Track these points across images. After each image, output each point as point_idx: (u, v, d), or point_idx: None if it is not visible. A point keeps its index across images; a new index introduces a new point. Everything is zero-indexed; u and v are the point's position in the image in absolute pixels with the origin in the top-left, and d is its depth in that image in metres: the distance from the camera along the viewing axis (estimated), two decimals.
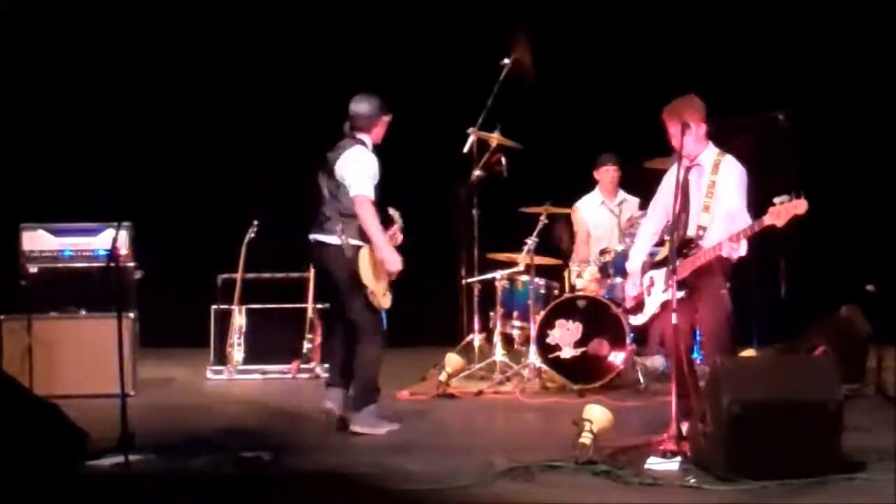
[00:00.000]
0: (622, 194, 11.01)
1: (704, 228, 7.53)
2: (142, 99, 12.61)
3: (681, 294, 7.37)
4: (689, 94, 7.69)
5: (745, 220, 7.32)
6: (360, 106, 8.47)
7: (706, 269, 7.46)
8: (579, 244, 11.07)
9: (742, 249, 7.38)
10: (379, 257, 8.26)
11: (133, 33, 12.60)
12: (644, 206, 9.81)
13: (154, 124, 12.55)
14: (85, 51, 12.56)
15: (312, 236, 8.43)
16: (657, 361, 10.18)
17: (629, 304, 8.09)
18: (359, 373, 8.32)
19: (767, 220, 7.05)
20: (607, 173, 10.99)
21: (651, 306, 7.85)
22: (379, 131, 8.53)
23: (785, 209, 6.95)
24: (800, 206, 6.94)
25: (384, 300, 8.31)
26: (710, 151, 7.71)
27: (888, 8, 11.95)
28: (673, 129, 7.56)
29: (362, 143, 8.44)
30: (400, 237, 8.69)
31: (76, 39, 12.55)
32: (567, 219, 11.15)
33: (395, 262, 8.26)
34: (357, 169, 8.29)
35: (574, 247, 11.11)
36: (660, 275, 7.76)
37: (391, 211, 8.74)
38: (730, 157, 7.69)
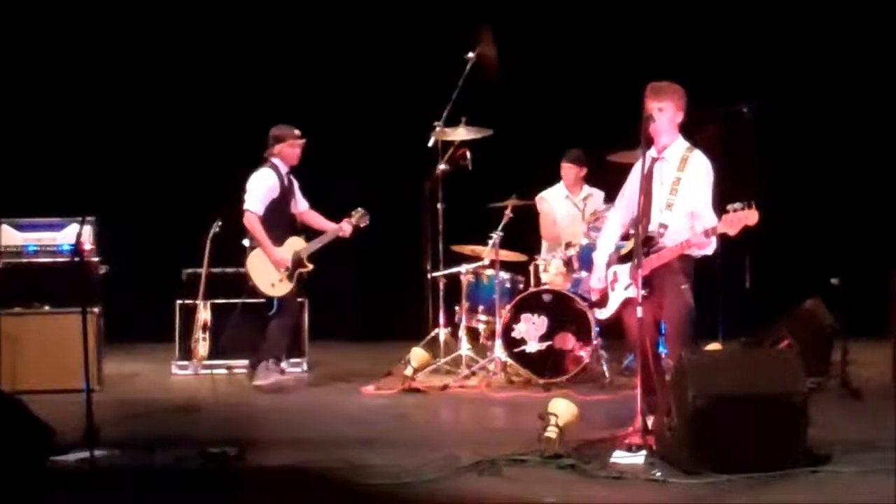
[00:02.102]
0: (587, 189, 10.98)
1: (666, 226, 7.50)
2: (108, 95, 12.57)
3: (644, 292, 7.38)
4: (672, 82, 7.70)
5: (710, 219, 7.30)
6: (271, 131, 10.11)
7: (667, 265, 7.46)
8: (546, 227, 11.02)
9: (711, 247, 7.38)
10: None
11: (118, 29, 12.63)
12: (609, 199, 9.81)
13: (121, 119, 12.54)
14: (50, 46, 12.53)
15: None
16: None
17: (594, 297, 8.09)
18: (268, 338, 10.06)
19: (721, 227, 7.07)
20: (567, 171, 10.98)
21: (614, 301, 7.83)
22: (285, 155, 10.09)
23: (737, 218, 6.96)
24: (750, 217, 6.95)
25: (272, 290, 10.01)
26: (679, 145, 7.67)
27: (853, 2, 12.06)
28: (650, 106, 7.55)
29: (271, 164, 10.08)
30: (347, 230, 10.23)
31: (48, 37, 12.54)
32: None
33: (280, 262, 9.99)
34: (252, 188, 10.01)
35: (546, 237, 11.05)
36: (624, 270, 7.74)
37: (358, 210, 10.25)
38: (698, 152, 7.65)
